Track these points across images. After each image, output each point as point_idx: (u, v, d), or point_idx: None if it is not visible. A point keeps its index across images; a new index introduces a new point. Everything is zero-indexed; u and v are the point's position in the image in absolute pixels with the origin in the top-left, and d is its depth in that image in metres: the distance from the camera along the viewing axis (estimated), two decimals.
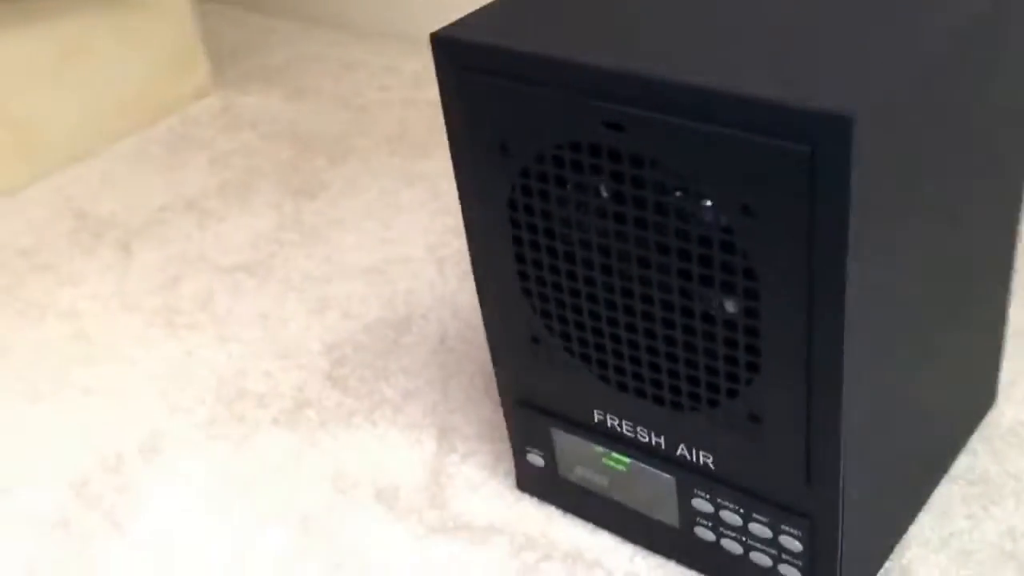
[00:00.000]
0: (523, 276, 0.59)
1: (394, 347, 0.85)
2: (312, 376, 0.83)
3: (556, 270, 0.57)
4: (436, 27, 0.54)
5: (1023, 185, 0.63)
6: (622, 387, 0.58)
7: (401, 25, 1.40)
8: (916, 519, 0.64)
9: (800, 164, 0.44)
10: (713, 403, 0.54)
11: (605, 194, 0.52)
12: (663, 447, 0.59)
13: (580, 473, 0.65)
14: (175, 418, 0.81)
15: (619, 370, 0.58)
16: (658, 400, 0.57)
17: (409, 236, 0.99)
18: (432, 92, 1.23)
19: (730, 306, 0.51)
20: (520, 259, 0.58)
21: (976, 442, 0.69)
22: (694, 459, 0.58)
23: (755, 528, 0.57)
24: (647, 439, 0.59)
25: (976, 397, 0.70)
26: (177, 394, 0.83)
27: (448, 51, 0.54)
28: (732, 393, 0.53)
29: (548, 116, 0.51)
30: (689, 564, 0.63)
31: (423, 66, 1.31)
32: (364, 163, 1.12)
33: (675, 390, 0.56)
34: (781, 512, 0.55)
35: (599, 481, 0.64)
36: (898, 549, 0.63)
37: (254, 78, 1.34)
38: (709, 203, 0.48)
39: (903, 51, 0.46)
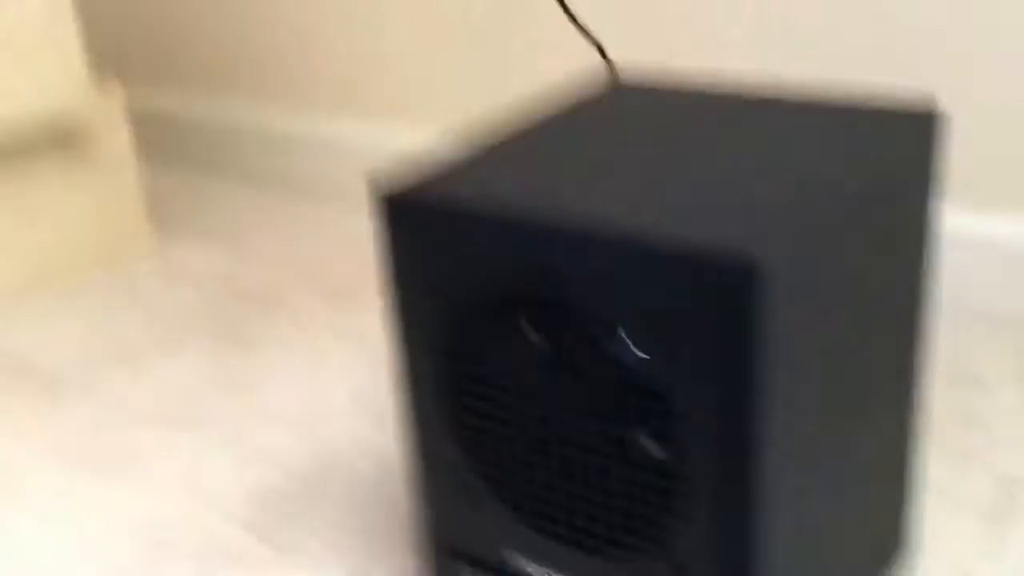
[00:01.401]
0: (455, 423, 0.61)
1: (317, 498, 0.86)
2: (230, 526, 0.83)
3: (485, 415, 0.59)
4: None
5: (916, 336, 0.68)
6: (541, 529, 0.60)
7: (334, 182, 1.45)
8: None
9: (713, 308, 0.48)
10: (635, 550, 0.56)
11: (533, 338, 0.55)
12: None
13: None
14: (86, 564, 0.80)
15: (539, 513, 0.59)
16: (578, 545, 0.59)
17: (336, 388, 1.01)
18: (363, 248, 1.28)
19: (652, 448, 0.53)
20: (450, 401, 0.60)
21: None
22: None
23: None
24: None
25: (887, 544, 0.72)
26: (93, 542, 0.82)
27: (388, 206, 0.58)
28: (656, 541, 0.55)
29: (484, 268, 0.55)
30: None
31: (357, 224, 1.35)
32: (296, 317, 1.15)
33: (593, 540, 0.58)
34: None
35: None
36: None
37: (193, 237, 1.37)
38: (628, 343, 0.51)
39: (800, 205, 0.52)
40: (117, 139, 1.25)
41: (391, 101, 1.38)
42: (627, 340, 0.51)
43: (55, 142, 1.19)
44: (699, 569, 0.54)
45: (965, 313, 1.05)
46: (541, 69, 1.24)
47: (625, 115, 0.68)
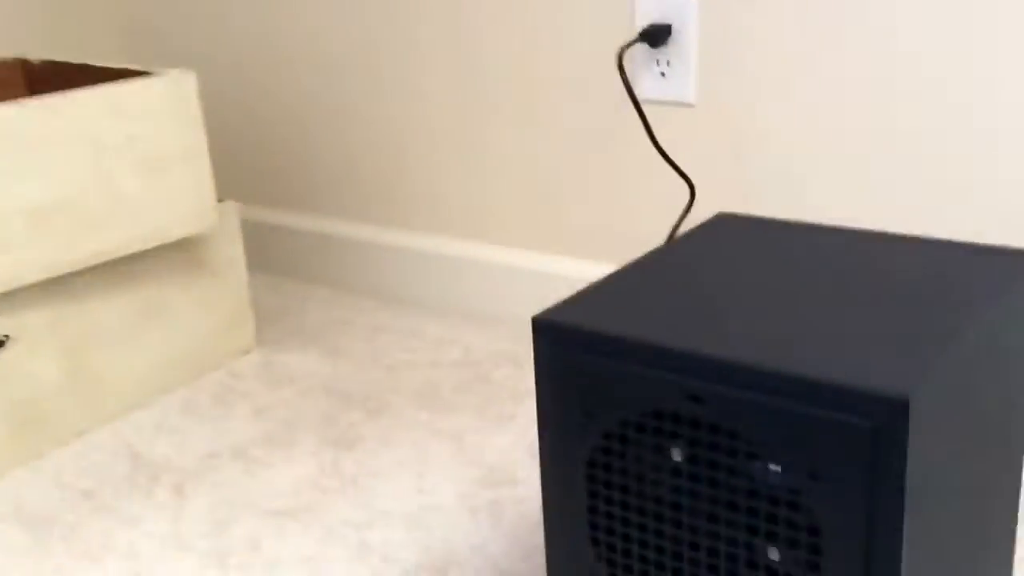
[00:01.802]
0: (593, 526, 0.67)
1: None
2: None
3: (627, 522, 0.65)
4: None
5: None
6: None
7: (423, 294, 1.54)
8: None
9: (862, 437, 0.54)
10: None
11: (678, 458, 0.61)
12: None
13: None
14: None
15: None
16: None
17: (440, 487, 1.07)
18: (453, 354, 1.35)
19: (792, 564, 0.59)
20: (593, 511, 0.66)
21: None
22: None
23: None
24: None
25: None
26: None
27: (546, 332, 0.65)
28: None
29: (634, 388, 0.61)
30: None
31: (444, 331, 1.43)
32: (396, 418, 1.22)
33: None
34: None
35: None
36: None
37: (292, 338, 1.45)
38: (777, 467, 0.58)
39: (942, 337, 0.58)
40: (232, 250, 1.34)
41: (480, 222, 1.47)
42: (774, 460, 0.57)
43: (177, 247, 1.28)
44: None
45: None
46: (625, 199, 1.33)
47: (743, 245, 0.75)
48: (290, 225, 1.68)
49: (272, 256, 1.72)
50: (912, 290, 0.65)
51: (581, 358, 0.63)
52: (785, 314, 0.62)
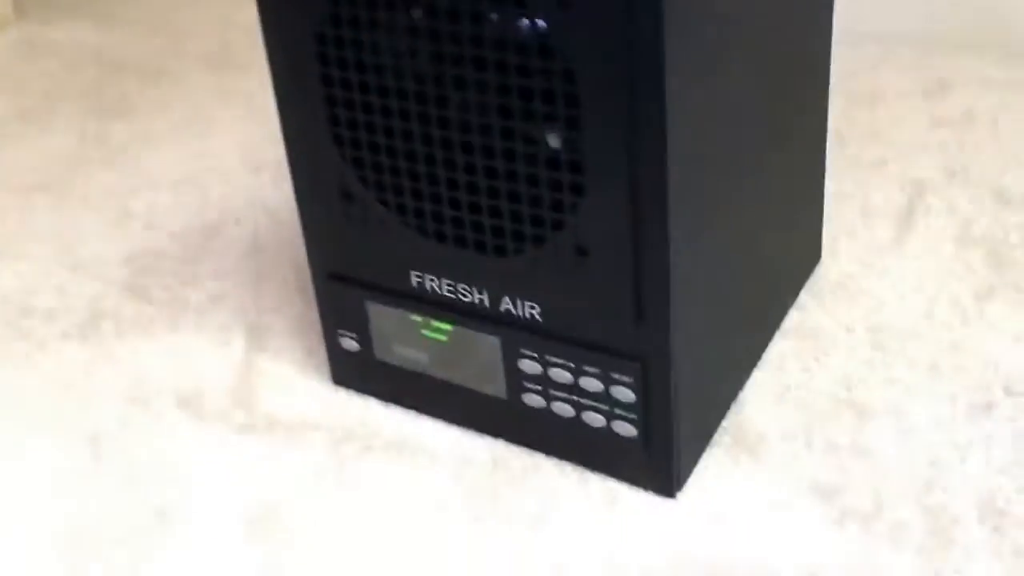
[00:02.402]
0: (333, 121, 0.53)
1: (202, 252, 0.78)
2: (108, 288, 0.75)
3: (368, 108, 0.51)
4: None
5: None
6: (441, 237, 0.53)
7: None
8: (751, 377, 0.62)
9: None
10: (538, 240, 0.50)
11: (417, 15, 0.47)
12: (487, 303, 0.54)
13: (398, 352, 0.60)
14: None
15: (437, 217, 0.53)
16: (480, 247, 0.52)
17: (224, 149, 0.92)
18: (249, 12, 1.17)
19: (550, 134, 0.46)
20: (330, 101, 0.53)
21: (806, 298, 0.68)
22: (520, 312, 0.53)
23: (586, 383, 0.53)
24: (469, 297, 0.55)
25: (802, 251, 0.68)
26: None
27: None
28: (557, 225, 0.49)
29: None
30: (520, 439, 0.59)
31: None
32: (177, 84, 1.05)
33: (497, 231, 0.51)
34: (612, 359, 0.51)
35: (418, 358, 0.59)
36: (734, 407, 0.60)
37: (58, 5, 1.25)
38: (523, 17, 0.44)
39: None
40: None
41: None
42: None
43: None
44: (600, 252, 0.48)
45: (860, 36, 0.98)
46: None
47: None
48: None
49: None
50: None
51: None
52: None
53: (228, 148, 0.92)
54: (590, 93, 0.44)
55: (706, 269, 0.51)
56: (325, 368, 0.65)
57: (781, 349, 0.64)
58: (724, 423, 0.59)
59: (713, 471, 0.56)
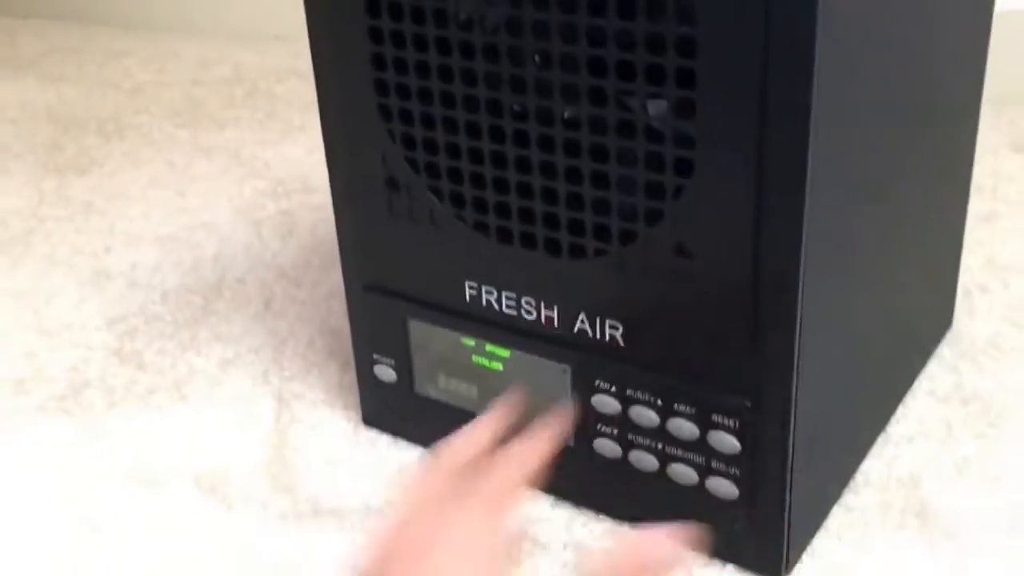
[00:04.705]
0: (380, 88, 0.44)
1: (202, 314, 0.67)
2: (91, 354, 0.65)
3: (424, 69, 0.42)
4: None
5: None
6: (504, 235, 0.43)
7: (173, 15, 1.27)
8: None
9: None
10: (628, 237, 0.40)
11: None
12: (556, 322, 0.44)
13: (443, 385, 0.49)
14: None
15: (502, 209, 0.43)
16: (552, 247, 0.42)
17: (212, 204, 0.83)
18: (222, 70, 1.09)
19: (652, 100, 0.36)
20: (377, 62, 0.43)
21: (953, 358, 0.57)
22: (596, 333, 0.43)
23: (676, 427, 0.42)
24: (534, 315, 0.44)
25: (937, 305, 0.57)
26: None
27: None
28: (653, 216, 0.38)
29: None
30: (587, 501, 0.47)
31: (206, 50, 1.17)
32: (144, 138, 0.96)
33: (576, 227, 0.41)
34: (713, 395, 0.40)
35: (466, 392, 0.48)
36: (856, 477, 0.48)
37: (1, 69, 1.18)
38: None
39: None
40: None
41: None
42: None
43: None
44: (707, 252, 0.38)
45: None
46: None
47: None
48: None
49: None
50: None
51: None
52: None
53: (218, 204, 0.82)
54: (707, 49, 0.34)
55: (842, 293, 0.41)
56: (376, 436, 0.54)
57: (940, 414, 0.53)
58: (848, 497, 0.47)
59: (830, 553, 0.44)
